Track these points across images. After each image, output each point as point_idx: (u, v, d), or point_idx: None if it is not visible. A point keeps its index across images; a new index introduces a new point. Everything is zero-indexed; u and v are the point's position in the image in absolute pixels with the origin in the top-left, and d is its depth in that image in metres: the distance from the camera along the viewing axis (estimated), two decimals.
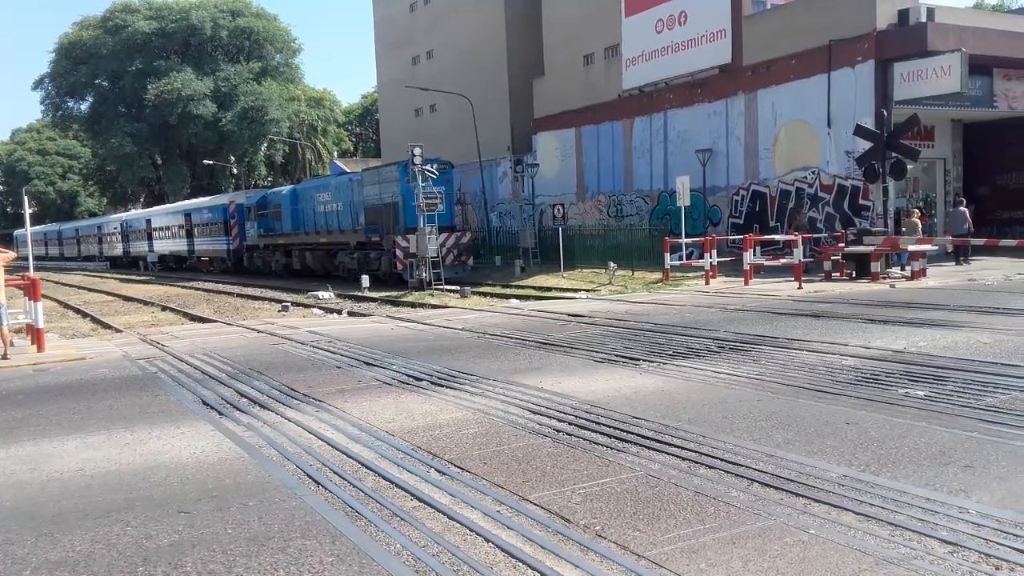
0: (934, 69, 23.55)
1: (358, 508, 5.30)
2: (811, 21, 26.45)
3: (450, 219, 27.65)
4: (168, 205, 56.63)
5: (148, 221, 54.33)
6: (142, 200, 74.35)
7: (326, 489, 5.72)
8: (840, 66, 25.42)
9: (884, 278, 20.43)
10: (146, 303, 24.73)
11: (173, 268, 50.47)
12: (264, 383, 9.80)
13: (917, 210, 24.98)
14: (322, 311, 19.83)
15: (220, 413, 8.31)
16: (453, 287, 24.42)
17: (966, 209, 25.14)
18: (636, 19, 33.16)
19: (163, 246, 52.00)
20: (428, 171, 24.83)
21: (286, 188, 37.33)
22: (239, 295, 26.15)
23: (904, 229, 22.96)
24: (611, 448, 6.41)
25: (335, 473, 6.07)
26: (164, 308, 22.67)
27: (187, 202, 53.00)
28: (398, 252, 25.86)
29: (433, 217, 25.19)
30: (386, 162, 30.15)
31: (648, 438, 6.62)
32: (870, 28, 24.75)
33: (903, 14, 24.94)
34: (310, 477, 6.00)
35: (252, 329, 15.77)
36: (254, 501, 5.52)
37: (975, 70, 24.03)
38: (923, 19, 24.35)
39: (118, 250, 59.91)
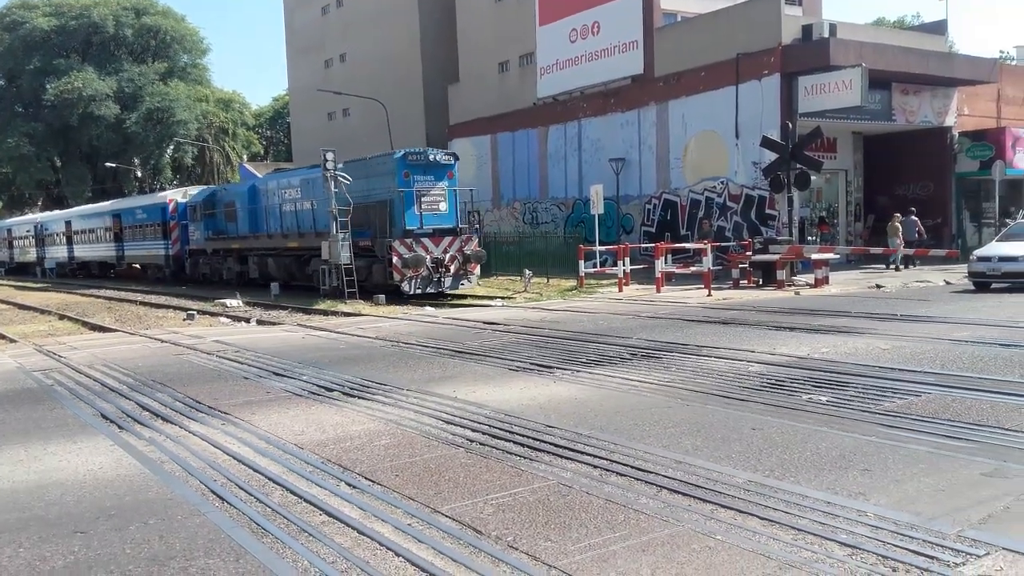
0: (836, 83, 24.46)
1: (264, 524, 5.16)
2: (720, 35, 27.15)
3: (453, 221, 23.07)
4: (92, 205, 50.72)
5: (67, 223, 47.84)
6: (39, 204, 71.30)
7: (231, 505, 5.55)
8: (747, 79, 26.16)
9: (789, 286, 21.06)
10: (43, 312, 23.68)
11: (96, 276, 44.29)
12: (167, 395, 9.49)
13: (898, 215, 26.43)
14: (230, 319, 19.31)
15: (120, 427, 8.01)
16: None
17: (916, 219, 26.53)
18: (550, 28, 33.49)
19: (85, 251, 45.88)
20: (424, 162, 22.29)
21: (242, 183, 32.51)
22: (142, 303, 25.09)
23: (888, 233, 25.62)
24: (524, 457, 6.41)
25: (241, 488, 5.90)
26: (62, 317, 21.75)
27: (116, 201, 47.35)
28: (396, 260, 21.57)
29: (430, 218, 22.35)
30: (375, 153, 25.40)
31: (561, 446, 6.64)
32: (776, 43, 25.55)
33: (807, 30, 25.85)
34: (214, 493, 5.83)
35: (155, 339, 15.25)
36: (155, 519, 5.34)
37: (875, 84, 25.06)
38: (826, 35, 25.28)
39: (31, 255, 53.47)
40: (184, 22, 67.84)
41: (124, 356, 12.93)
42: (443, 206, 22.73)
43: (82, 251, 46.16)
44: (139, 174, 66.43)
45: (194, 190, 36.01)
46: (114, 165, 60.51)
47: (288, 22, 52.63)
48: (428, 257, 21.83)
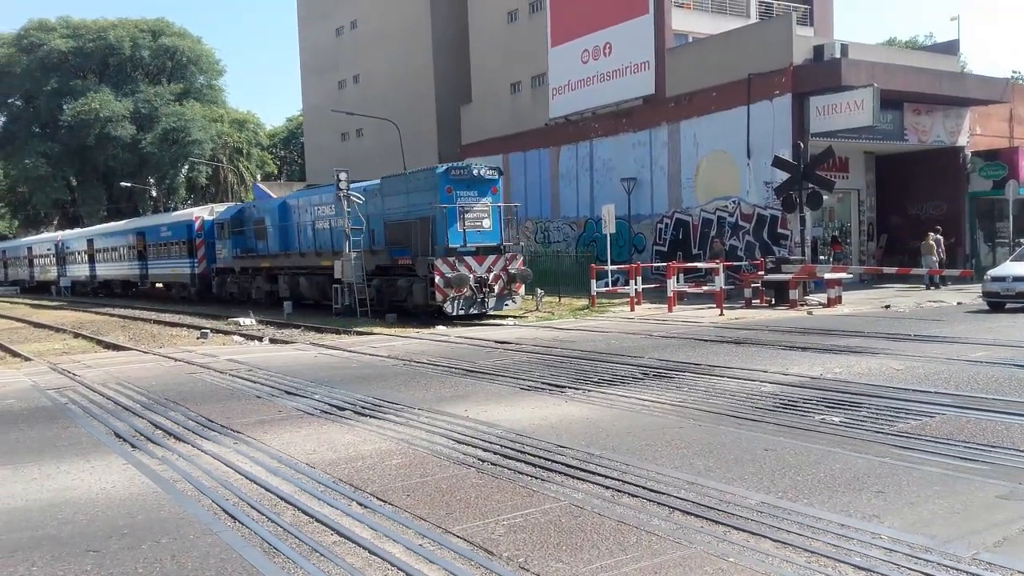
0: (848, 103, 24.46)
1: (276, 544, 5.16)
2: (731, 55, 27.21)
3: (497, 239, 21.86)
4: (115, 223, 49.36)
5: (89, 241, 47.01)
6: (55, 223, 71.78)
7: (243, 525, 5.56)
8: (759, 99, 26.19)
9: (802, 305, 20.98)
10: (57, 330, 23.83)
11: (117, 295, 43.42)
12: (180, 414, 9.52)
13: (932, 233, 26.63)
14: (243, 338, 19.38)
15: (133, 446, 8.03)
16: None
17: (941, 238, 26.71)
18: (562, 49, 33.65)
19: (108, 270, 44.82)
20: (467, 176, 21.19)
21: (273, 200, 31.01)
22: (156, 321, 25.22)
23: (923, 251, 25.98)
24: (536, 478, 6.39)
25: (253, 508, 5.91)
26: (77, 335, 21.87)
27: (140, 219, 46.48)
28: (438, 280, 20.37)
29: (474, 235, 21.23)
30: (414, 168, 24.07)
31: (573, 467, 6.62)
32: (787, 63, 25.58)
33: (818, 50, 25.89)
34: (226, 512, 5.83)
35: (169, 357, 15.33)
36: (167, 538, 5.34)
37: (886, 104, 25.06)
38: (837, 55, 25.30)
39: (52, 274, 52.35)
40: (200, 43, 68.49)
41: (137, 374, 13.00)
42: (487, 223, 21.67)
43: (104, 270, 45.38)
44: (154, 194, 66.81)
45: (221, 207, 35.08)
46: (129, 185, 60.92)
47: (302, 43, 53.10)
48: (472, 276, 20.80)
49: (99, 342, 19.87)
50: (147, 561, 4.95)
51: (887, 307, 20.42)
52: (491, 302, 21.31)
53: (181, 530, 5.49)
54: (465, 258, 20.90)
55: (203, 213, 34.71)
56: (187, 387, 11.56)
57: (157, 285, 40.03)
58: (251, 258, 29.83)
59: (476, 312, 21.10)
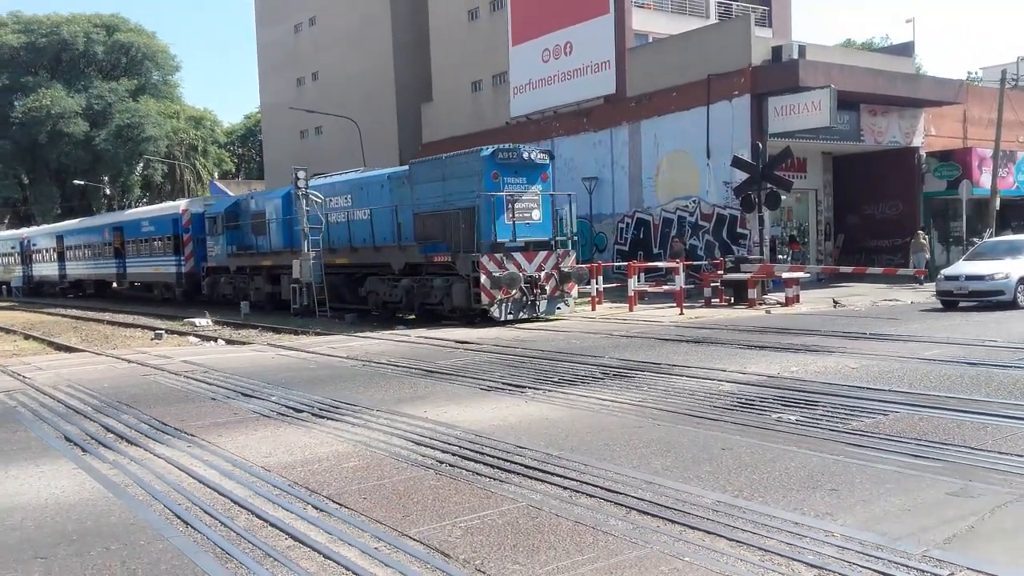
0: (805, 104, 24.77)
1: (229, 549, 5.09)
2: (691, 56, 27.42)
3: (549, 232, 19.57)
4: (90, 217, 46.18)
5: (59, 238, 43.30)
6: (6, 222, 70.26)
7: (195, 530, 5.48)
8: (718, 99, 26.42)
9: (760, 304, 21.20)
10: (7, 331, 23.31)
11: (91, 296, 40.04)
12: (132, 417, 9.35)
13: (921, 231, 27.66)
14: (199, 339, 19.09)
15: (84, 450, 7.88)
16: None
17: (925, 240, 27.64)
18: (523, 48, 33.67)
19: (80, 268, 41.39)
20: (516, 160, 18.89)
21: (275, 192, 27.59)
22: (109, 322, 24.72)
23: (912, 248, 27.00)
24: (494, 479, 6.37)
25: (206, 512, 5.82)
26: (27, 336, 21.42)
27: (118, 213, 43.32)
28: (484, 280, 18.11)
29: (523, 229, 18.96)
30: (455, 152, 21.35)
31: (531, 468, 6.61)
32: (746, 64, 25.84)
33: (776, 51, 26.19)
34: (179, 517, 5.74)
35: (122, 359, 15.05)
36: (117, 544, 5.26)
37: (843, 105, 25.42)
38: (795, 56, 25.61)
39: (17, 273, 48.42)
40: (155, 39, 67.50)
41: (89, 377, 12.75)
42: (536, 214, 19.27)
43: (76, 268, 41.96)
44: (108, 192, 65.61)
45: (213, 199, 32.59)
46: (83, 183, 59.77)
47: (260, 40, 52.48)
48: (522, 276, 18.59)
49: (50, 343, 19.49)
50: (96, 568, 4.86)
51: (836, 304, 20.74)
52: (542, 305, 19.13)
53: (132, 536, 5.40)
54: (514, 255, 18.70)
55: (192, 206, 31.92)
56: (140, 389, 11.36)
57: (135, 284, 37.18)
58: (249, 256, 26.84)
59: (526, 316, 18.96)
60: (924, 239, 27.57)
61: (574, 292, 19.95)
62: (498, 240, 18.58)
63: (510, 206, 18.75)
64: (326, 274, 22.98)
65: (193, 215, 30.85)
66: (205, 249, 29.76)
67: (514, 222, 18.79)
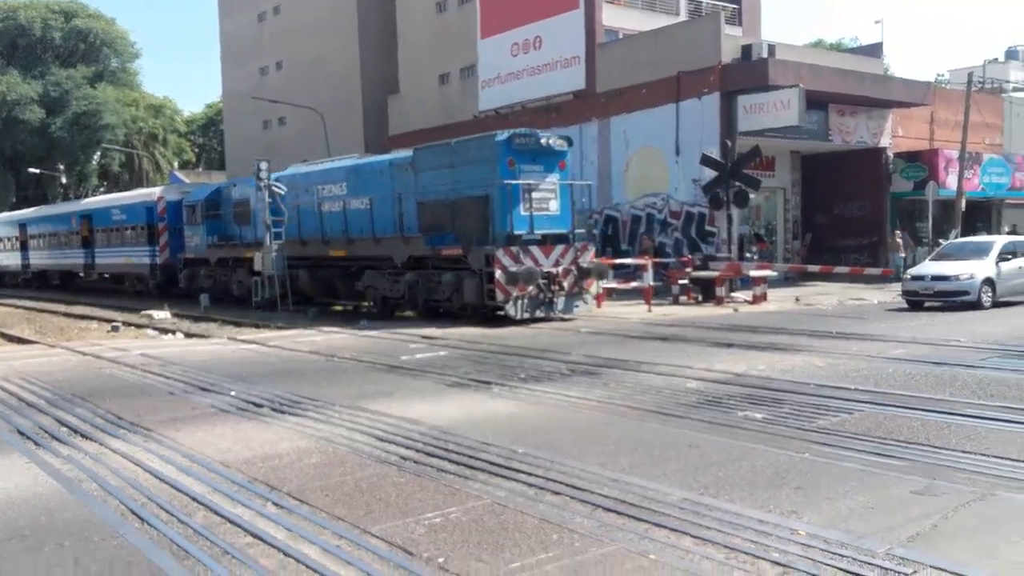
0: (774, 103, 24.90)
1: (186, 546, 4.98)
2: (661, 53, 27.45)
3: (567, 224, 18.55)
4: (56, 205, 44.47)
5: (22, 225, 41.42)
6: None
7: (151, 526, 5.36)
8: (688, 97, 26.47)
9: (728, 302, 21.29)
10: None
11: (56, 288, 38.01)
12: (87, 411, 9.13)
13: (897, 232, 28.45)
14: (157, 332, 18.76)
15: (37, 444, 7.70)
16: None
17: (903, 238, 28.41)
18: (492, 41, 33.52)
19: (44, 258, 39.55)
20: (533, 146, 17.81)
21: None
22: (65, 314, 24.21)
23: (890, 248, 27.95)
24: (458, 476, 6.30)
25: (162, 509, 5.70)
26: None
27: (87, 200, 41.16)
28: (499, 275, 16.96)
29: (541, 220, 17.85)
30: (465, 136, 20.20)
31: (496, 464, 6.54)
32: (715, 61, 25.92)
33: (746, 49, 26.30)
34: (134, 513, 5.62)
35: (77, 351, 14.74)
36: (70, 541, 5.15)
37: (812, 105, 25.59)
38: (765, 55, 25.73)
39: None
40: (114, 25, 66.28)
41: (43, 369, 12.47)
42: (554, 205, 18.14)
43: (40, 258, 40.12)
44: (64, 180, 64.38)
45: (191, 186, 30.62)
46: (38, 171, 58.56)
47: (222, 28, 51.67)
48: (539, 271, 17.48)
49: (2, 335, 19.06)
50: (49, 565, 4.77)
51: (797, 300, 20.92)
52: (560, 302, 17.98)
53: (86, 532, 5.28)
54: (530, 248, 17.53)
55: (168, 193, 30.23)
56: (96, 382, 11.13)
57: (105, 276, 35.28)
58: (231, 247, 25.09)
59: (542, 315, 17.75)
60: (900, 239, 28.02)
61: (592, 289, 18.90)
62: (514, 232, 17.45)
63: (527, 196, 17.62)
64: (319, 267, 22.18)
65: (169, 203, 29.21)
66: (182, 239, 28.09)
67: (531, 213, 17.63)
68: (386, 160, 20.89)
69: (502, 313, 17.34)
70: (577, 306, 18.34)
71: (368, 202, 20.24)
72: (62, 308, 26.16)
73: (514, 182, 17.41)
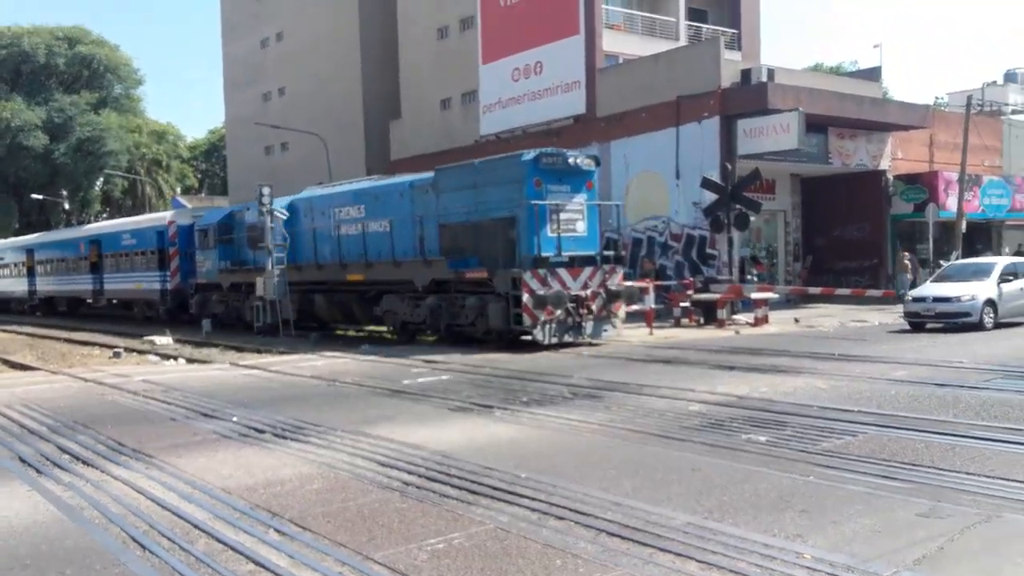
0: (774, 126, 25.00)
1: (188, 574, 4.95)
2: (661, 77, 27.62)
3: (595, 246, 18.22)
4: (64, 230, 44.08)
5: (29, 251, 40.83)
6: None
7: (153, 554, 5.32)
8: (688, 121, 26.59)
9: (730, 324, 21.27)
10: None
11: (63, 314, 37.54)
12: (89, 437, 9.10)
13: (905, 253, 28.56)
14: (158, 357, 18.74)
15: (39, 471, 7.66)
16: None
17: (911, 259, 28.52)
18: (493, 67, 33.74)
19: (52, 284, 39.04)
20: (561, 166, 17.43)
21: (276, 202, 24.30)
22: (67, 340, 24.19)
23: (896, 269, 28.28)
24: (461, 501, 6.26)
25: (164, 536, 5.66)
26: None
27: (96, 225, 41.12)
28: (526, 298, 16.51)
29: (568, 242, 17.40)
30: (490, 156, 20.25)
31: (499, 489, 6.50)
32: (715, 86, 26.06)
33: (746, 74, 26.45)
34: (136, 541, 5.58)
35: (79, 378, 14.72)
36: (72, 569, 5.11)
37: (812, 128, 25.70)
38: (764, 79, 25.87)
39: None
40: (118, 51, 66.71)
41: (45, 396, 12.44)
42: (581, 226, 17.73)
43: (47, 284, 39.72)
44: (67, 207, 64.53)
45: (202, 210, 30.47)
46: (41, 197, 58.72)
47: (226, 54, 52.05)
48: (568, 294, 17.06)
49: (4, 362, 19.04)
50: None
51: (797, 321, 20.90)
52: (588, 327, 17.47)
53: (87, 560, 5.24)
54: (558, 271, 17.10)
55: (179, 218, 29.88)
56: (97, 409, 11.09)
57: (113, 301, 34.77)
58: (245, 272, 24.37)
59: (571, 339, 17.34)
60: (907, 261, 28.09)
61: (621, 313, 18.27)
62: (542, 254, 17.00)
63: (554, 217, 17.19)
64: (333, 291, 21.85)
65: (180, 227, 28.76)
66: (193, 265, 27.57)
67: (559, 235, 17.19)
68: (406, 182, 20.46)
69: (528, 338, 16.96)
70: (606, 330, 17.84)
71: (387, 224, 19.84)
72: (64, 334, 26.13)
73: (541, 203, 17.04)
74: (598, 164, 18.56)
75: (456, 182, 18.58)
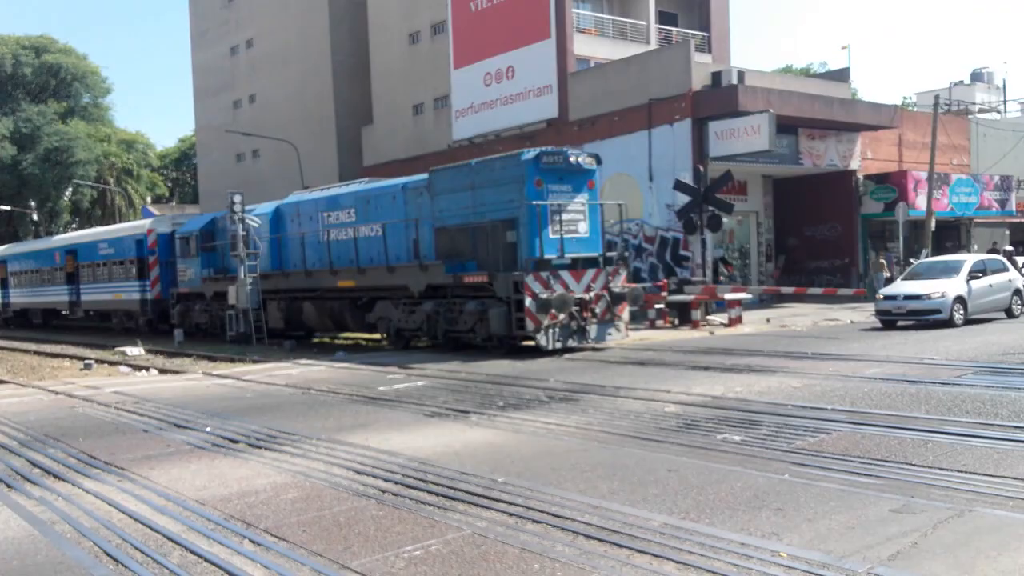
0: (745, 128, 25.18)
1: None
2: (632, 80, 27.74)
3: (598, 247, 17.81)
4: (39, 240, 42.84)
5: (2, 263, 39.83)
6: None
7: (126, 568, 5.26)
8: (660, 124, 26.73)
9: (704, 325, 21.38)
10: None
11: (38, 327, 36.74)
12: (60, 451, 8.98)
13: (881, 252, 29.31)
14: (130, 368, 18.52)
15: (9, 486, 7.54)
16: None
17: (887, 258, 28.98)
18: (465, 71, 33.73)
19: (26, 296, 37.98)
20: (562, 165, 17.01)
21: (260, 207, 24.16)
22: (37, 352, 23.85)
23: (872, 269, 28.87)
24: (438, 507, 6.24)
25: (137, 549, 5.59)
26: None
27: (72, 234, 40.00)
28: (529, 303, 15.99)
29: (571, 244, 16.94)
30: (488, 156, 19.94)
31: (476, 495, 6.49)
32: (686, 88, 26.21)
33: (716, 76, 26.62)
34: (108, 555, 5.51)
35: (49, 390, 14.50)
36: None
37: (782, 130, 25.92)
38: (735, 82, 26.05)
39: None
40: (86, 60, 66.07)
41: (14, 409, 12.25)
42: (583, 226, 17.35)
43: (21, 296, 38.53)
44: (35, 218, 63.72)
45: (183, 218, 29.36)
46: (8, 208, 57.91)
47: (195, 61, 51.62)
48: (572, 297, 16.53)
49: None
50: None
51: (768, 321, 21.06)
52: (592, 330, 16.95)
53: (59, 575, 5.18)
54: (560, 273, 16.59)
55: (159, 225, 28.90)
56: (68, 422, 10.94)
57: (90, 313, 33.58)
58: (230, 280, 23.43)
59: (575, 344, 16.84)
60: (883, 260, 28.54)
61: (625, 315, 17.79)
62: (545, 256, 16.47)
63: (556, 217, 16.68)
64: (322, 299, 21.31)
65: (160, 235, 27.92)
66: (174, 273, 26.87)
67: (561, 235, 16.67)
68: (398, 184, 19.93)
69: (531, 344, 16.55)
70: (610, 334, 17.34)
71: (380, 229, 19.33)
72: (35, 347, 25.75)
73: (542, 203, 16.54)
74: (599, 162, 18.05)
75: (452, 183, 18.13)
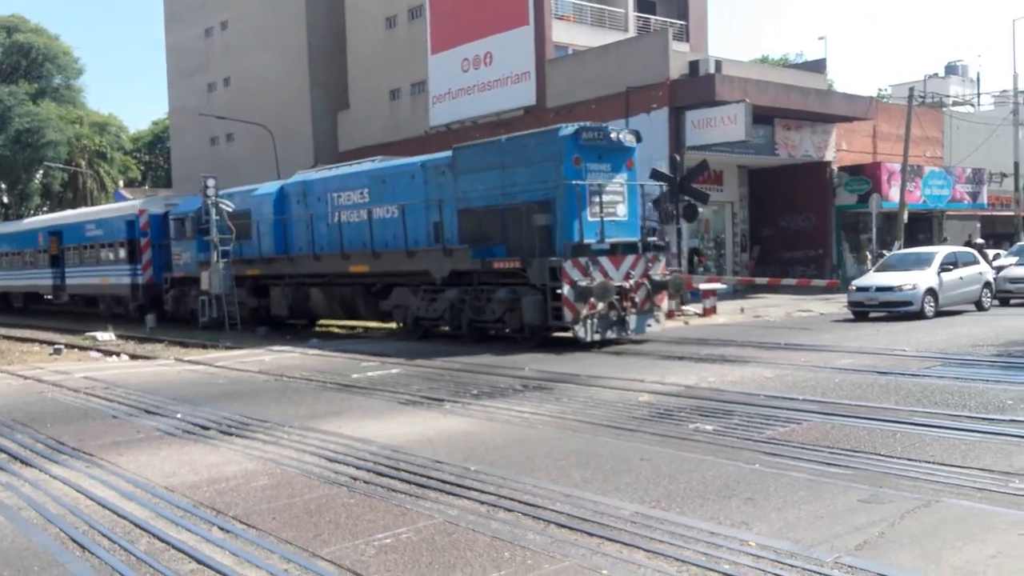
0: (722, 118, 25.27)
1: (128, 575, 4.86)
2: (610, 68, 27.73)
3: (637, 232, 16.50)
4: (20, 221, 41.27)
5: None
6: None
7: (93, 555, 5.22)
8: (637, 112, 26.74)
9: (679, 315, 21.44)
10: None
11: (19, 311, 35.24)
12: (27, 436, 8.88)
13: (864, 244, 29.70)
14: (100, 354, 18.31)
15: None
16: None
17: (871, 251, 29.08)
18: (442, 57, 33.58)
19: (6, 279, 36.68)
20: (602, 142, 15.62)
21: (263, 187, 22.83)
22: (5, 337, 23.45)
23: (857, 261, 29.34)
24: (410, 495, 6.23)
25: (104, 536, 5.55)
26: None
27: (58, 215, 37.68)
28: (567, 291, 14.73)
29: (610, 227, 15.56)
30: (520, 132, 18.54)
31: (448, 483, 6.48)
32: (664, 77, 26.25)
33: (694, 65, 26.68)
34: (75, 541, 5.47)
35: (17, 375, 14.35)
36: (9, 571, 5.00)
37: (758, 120, 26.03)
38: (712, 71, 26.11)
39: None
40: (58, 40, 65.03)
41: None
42: (622, 209, 15.98)
43: (1, 279, 37.17)
44: (5, 200, 62.73)
45: (178, 198, 27.89)
46: None
47: (169, 43, 51.00)
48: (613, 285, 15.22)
49: None
50: None
51: (742, 311, 21.20)
52: (632, 321, 15.64)
53: (25, 562, 5.13)
54: (599, 259, 15.28)
55: (151, 206, 27.20)
56: (36, 407, 10.82)
57: (76, 297, 32.02)
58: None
59: (614, 336, 15.60)
60: (868, 252, 28.92)
61: (664, 305, 16.74)
62: (585, 241, 15.15)
63: (595, 199, 15.33)
64: (332, 285, 20.02)
65: (152, 216, 26.35)
66: (167, 257, 25.35)
67: (601, 219, 15.32)
68: (417, 162, 18.48)
69: (569, 335, 15.38)
70: (649, 325, 16.17)
71: (397, 210, 17.90)
72: (3, 331, 25.37)
73: (581, 183, 15.22)
74: (639, 140, 16.55)
75: (478, 162, 16.73)
